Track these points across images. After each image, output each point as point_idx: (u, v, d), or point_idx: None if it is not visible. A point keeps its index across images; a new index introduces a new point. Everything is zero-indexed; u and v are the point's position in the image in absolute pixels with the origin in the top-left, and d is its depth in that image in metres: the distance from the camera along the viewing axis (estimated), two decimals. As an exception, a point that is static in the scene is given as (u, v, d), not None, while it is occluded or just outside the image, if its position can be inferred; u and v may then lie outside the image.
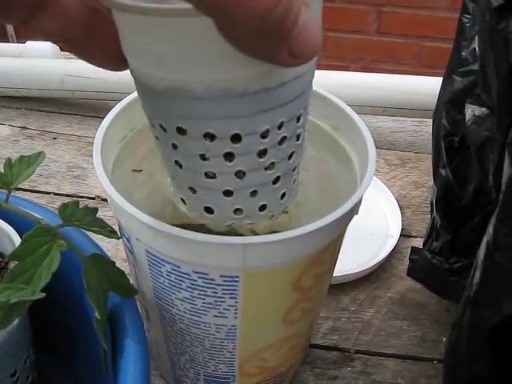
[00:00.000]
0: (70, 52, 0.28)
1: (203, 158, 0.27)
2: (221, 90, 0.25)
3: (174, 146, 0.28)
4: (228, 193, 0.29)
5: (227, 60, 0.21)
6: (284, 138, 0.28)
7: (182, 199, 0.31)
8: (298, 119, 0.28)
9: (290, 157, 0.29)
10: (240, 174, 0.28)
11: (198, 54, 0.24)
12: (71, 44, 0.27)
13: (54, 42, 0.27)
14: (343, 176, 0.38)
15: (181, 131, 0.27)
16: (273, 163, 0.28)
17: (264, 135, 0.27)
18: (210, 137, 0.27)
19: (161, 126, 0.28)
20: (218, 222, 0.30)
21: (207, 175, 0.28)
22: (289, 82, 0.26)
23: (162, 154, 0.30)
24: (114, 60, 0.28)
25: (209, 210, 0.30)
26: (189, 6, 0.19)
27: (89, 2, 0.27)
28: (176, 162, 0.29)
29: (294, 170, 0.30)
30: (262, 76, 0.24)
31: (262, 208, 0.30)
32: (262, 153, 0.28)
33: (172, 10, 0.21)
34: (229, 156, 0.27)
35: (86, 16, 0.26)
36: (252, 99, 0.25)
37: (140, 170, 0.37)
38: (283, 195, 0.30)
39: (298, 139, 0.29)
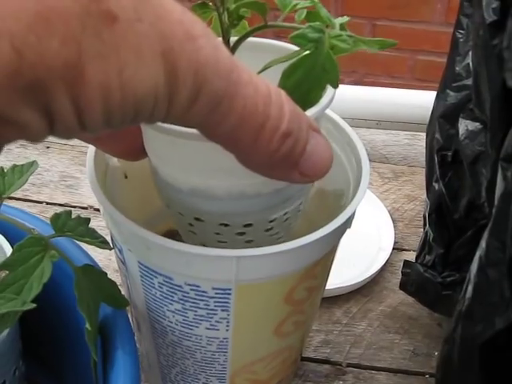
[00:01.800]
0: (95, 146, 0.32)
1: (217, 234, 0.31)
2: (238, 193, 0.28)
3: (191, 226, 0.31)
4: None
5: (241, 172, 0.23)
6: (288, 218, 0.32)
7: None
8: (301, 203, 0.32)
9: (290, 224, 0.33)
10: (249, 241, 0.31)
11: (216, 167, 0.27)
12: (93, 141, 0.31)
13: (78, 138, 0.29)
14: (338, 185, 0.38)
15: (198, 219, 0.30)
16: (277, 232, 0.32)
17: (271, 221, 0.31)
18: (225, 225, 0.30)
19: (179, 212, 0.31)
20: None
21: (220, 241, 0.31)
22: None
23: (177, 225, 0.33)
24: (134, 154, 0.31)
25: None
26: None
27: None
28: (191, 231, 0.32)
29: (292, 228, 0.34)
30: (272, 181, 0.26)
31: None
32: (269, 229, 0.31)
33: (195, 135, 0.23)
34: (241, 234, 0.31)
35: None
36: (264, 199, 0.29)
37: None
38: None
39: (299, 210, 0.32)
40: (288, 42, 0.32)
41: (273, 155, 0.21)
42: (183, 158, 0.28)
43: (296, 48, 0.30)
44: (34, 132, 0.16)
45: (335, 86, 0.27)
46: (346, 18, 0.29)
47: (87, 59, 0.15)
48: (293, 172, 0.23)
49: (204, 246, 0.31)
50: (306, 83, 0.26)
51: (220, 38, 0.29)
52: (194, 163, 0.28)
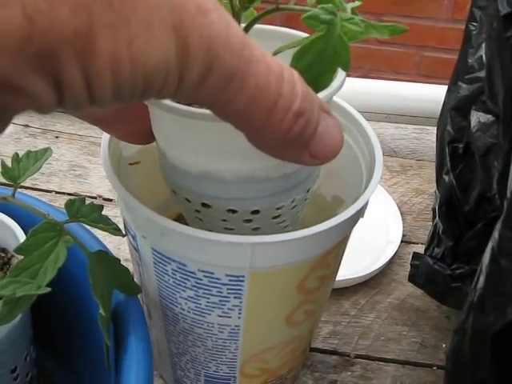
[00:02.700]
0: (102, 130, 0.32)
1: (224, 221, 0.30)
2: (247, 177, 0.28)
3: (198, 212, 0.31)
4: None
5: (252, 154, 0.23)
6: (295, 206, 0.31)
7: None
8: (308, 190, 0.32)
9: (298, 212, 0.33)
10: (256, 228, 0.31)
11: (227, 149, 0.27)
12: (100, 123, 0.30)
13: (87, 122, 0.30)
14: (351, 176, 0.38)
15: (205, 205, 0.30)
16: (284, 220, 0.32)
17: (279, 208, 0.30)
18: (232, 211, 0.30)
19: (186, 199, 0.31)
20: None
21: (226, 228, 0.31)
22: (304, 167, 0.28)
23: (184, 212, 0.33)
24: (141, 137, 0.31)
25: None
26: None
27: None
28: (198, 217, 0.31)
29: (299, 217, 0.34)
30: (281, 165, 0.26)
31: None
32: (277, 217, 0.31)
33: (205, 115, 0.23)
34: (248, 221, 0.30)
35: None
36: (272, 183, 0.29)
37: (137, 162, 0.38)
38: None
39: (305, 200, 0.33)
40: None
41: (285, 135, 0.21)
42: (193, 139, 0.27)
43: (305, 35, 0.30)
44: (44, 103, 0.16)
45: (346, 69, 0.26)
46: (357, 3, 0.29)
47: (98, 29, 0.15)
48: (303, 153, 0.23)
49: (210, 229, 0.31)
50: (317, 65, 0.25)
51: None
52: (204, 145, 0.27)
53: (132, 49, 0.16)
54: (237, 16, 0.29)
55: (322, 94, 0.26)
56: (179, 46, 0.17)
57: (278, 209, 0.30)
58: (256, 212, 0.30)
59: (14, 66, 0.15)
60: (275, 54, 0.28)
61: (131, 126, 0.30)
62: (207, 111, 0.20)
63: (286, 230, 0.32)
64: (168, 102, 0.24)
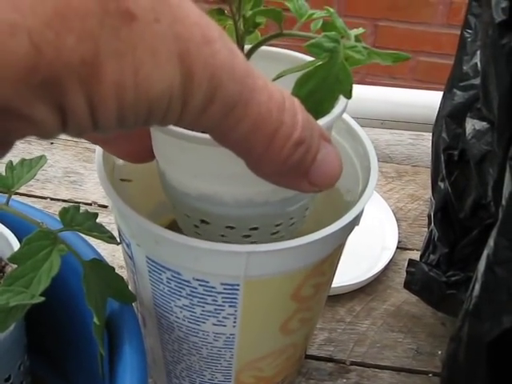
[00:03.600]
0: (101, 147, 0.32)
1: (223, 236, 0.31)
2: (245, 201, 0.28)
3: (196, 227, 0.31)
4: None
5: (251, 179, 0.23)
6: (294, 223, 0.32)
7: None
8: (307, 209, 0.32)
9: (296, 228, 0.33)
10: (253, 242, 0.31)
11: (226, 174, 0.27)
12: (100, 142, 0.30)
13: (85, 139, 0.30)
14: (346, 184, 0.38)
15: (204, 222, 0.30)
16: (282, 236, 0.32)
17: (278, 224, 0.31)
18: (231, 227, 0.30)
19: (185, 214, 0.31)
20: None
21: (225, 241, 0.31)
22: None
23: (181, 225, 0.33)
24: (141, 156, 0.31)
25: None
26: None
27: None
28: (196, 232, 0.32)
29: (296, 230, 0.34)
30: (280, 190, 0.26)
31: None
32: (275, 233, 0.31)
33: (204, 140, 0.24)
34: (246, 236, 0.31)
35: None
36: (271, 207, 0.29)
37: (129, 180, 0.38)
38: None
39: (304, 215, 0.33)
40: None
41: (284, 162, 0.21)
42: (192, 163, 0.28)
43: (309, 58, 0.30)
44: (47, 128, 0.16)
45: (348, 97, 0.26)
46: (361, 30, 0.29)
47: (104, 57, 0.15)
48: (302, 181, 0.23)
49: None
50: (319, 93, 0.26)
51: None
52: (203, 169, 0.28)
53: (137, 76, 0.16)
54: (241, 39, 0.29)
55: (322, 121, 0.26)
56: (184, 74, 0.17)
57: (277, 225, 0.31)
58: (255, 229, 0.30)
59: (19, 93, 0.15)
60: (278, 77, 0.28)
61: (132, 146, 0.30)
62: (207, 136, 0.20)
63: (281, 239, 0.32)
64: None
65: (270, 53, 0.34)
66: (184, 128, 0.19)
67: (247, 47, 0.29)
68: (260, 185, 0.23)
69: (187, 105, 0.18)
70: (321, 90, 0.26)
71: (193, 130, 0.19)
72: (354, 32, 0.28)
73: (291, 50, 0.34)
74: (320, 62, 0.25)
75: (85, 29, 0.15)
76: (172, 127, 0.24)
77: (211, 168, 0.27)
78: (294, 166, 0.22)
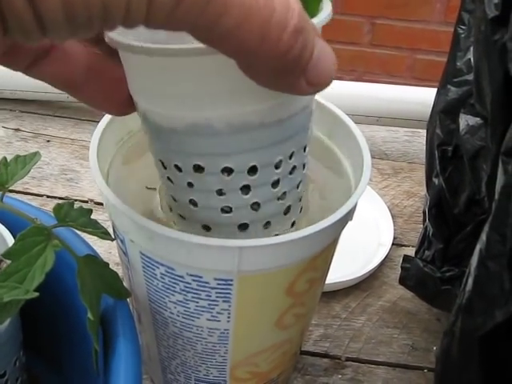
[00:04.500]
0: (73, 96, 0.28)
1: (220, 193, 0.29)
2: (239, 124, 0.26)
3: (190, 185, 0.29)
4: (243, 226, 0.30)
5: (243, 95, 0.22)
6: (294, 168, 0.30)
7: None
8: (305, 149, 0.31)
9: (298, 186, 0.31)
10: (255, 206, 0.30)
11: (214, 91, 0.25)
12: (73, 89, 0.27)
13: (56, 87, 0.27)
14: (336, 183, 0.38)
15: (198, 169, 0.28)
16: (284, 193, 0.30)
17: (277, 166, 0.29)
18: (228, 171, 0.28)
19: (176, 167, 0.29)
20: None
21: (223, 210, 0.29)
22: (298, 114, 0.28)
23: (174, 194, 0.31)
24: (119, 105, 0.28)
25: None
26: (200, 44, 0.19)
27: (90, 47, 0.27)
28: (191, 201, 0.30)
29: (300, 200, 0.33)
30: (275, 108, 0.25)
31: (276, 235, 0.31)
32: (276, 183, 0.29)
33: (183, 50, 0.22)
34: (245, 189, 0.29)
35: (86, 60, 0.26)
36: (268, 131, 0.27)
37: (154, 189, 0.37)
38: (293, 224, 0.33)
39: (303, 168, 0.31)
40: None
41: (283, 56, 0.19)
42: (176, 87, 0.25)
43: None
44: None
45: None
46: None
47: None
48: (299, 80, 0.21)
49: (207, 226, 0.31)
50: None
51: None
52: (187, 90, 0.25)
53: None
54: None
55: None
56: None
57: (276, 168, 0.29)
58: (253, 171, 0.28)
59: None
60: None
61: (106, 90, 0.28)
62: (185, 46, 0.19)
63: (288, 217, 0.31)
64: (143, 43, 0.23)
65: None
66: (158, 28, 0.17)
67: None
68: (253, 101, 0.23)
69: (153, 0, 0.16)
70: None
71: (170, 29, 0.17)
72: None
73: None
74: None
75: None
76: (146, 44, 0.22)
77: (197, 87, 0.25)
78: (293, 60, 0.20)
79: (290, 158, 0.29)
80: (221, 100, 0.25)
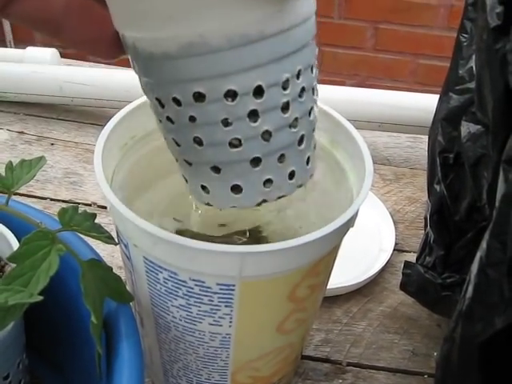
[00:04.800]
0: (57, 39, 0.26)
1: (226, 123, 0.26)
2: (238, 37, 0.24)
3: (192, 119, 0.27)
4: (256, 161, 0.28)
5: (238, 2, 0.21)
6: (303, 90, 0.28)
7: (203, 187, 0.29)
8: (312, 69, 0.28)
9: (310, 113, 0.29)
10: (266, 136, 0.27)
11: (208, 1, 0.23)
12: (54, 29, 0.26)
13: (36, 29, 0.26)
14: (337, 190, 0.38)
15: (199, 97, 0.26)
16: (296, 119, 0.28)
17: (285, 86, 0.27)
18: (232, 96, 0.26)
19: (174, 100, 0.27)
20: (247, 203, 0.29)
21: (232, 145, 0.27)
22: (299, 26, 0.26)
23: (177, 135, 0.28)
24: (106, 46, 0.27)
25: (236, 189, 0.29)
26: None
27: None
28: (195, 139, 0.27)
29: (313, 131, 0.30)
30: (275, 17, 0.24)
31: (291, 176, 0.29)
32: (285, 107, 0.27)
33: None
34: (253, 116, 0.26)
35: None
36: (269, 44, 0.25)
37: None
38: (308, 160, 0.30)
39: (313, 93, 0.29)
40: None
41: None
42: (163, 3, 0.24)
43: None
44: None
45: None
46: None
47: None
48: None
49: (216, 167, 0.28)
50: None
51: None
52: (176, 5, 0.24)
53: None
54: None
55: None
56: None
57: (284, 89, 0.27)
58: (260, 93, 0.26)
59: None
60: None
61: (89, 30, 0.26)
62: None
63: (302, 149, 0.29)
64: None
65: None
66: None
67: None
68: (250, 9, 0.22)
69: None
70: None
71: None
72: None
73: None
74: None
75: None
76: None
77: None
78: None
79: (298, 77, 0.27)
80: (213, 10, 0.24)
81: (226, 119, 0.26)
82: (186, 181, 0.31)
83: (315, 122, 0.30)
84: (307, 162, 0.30)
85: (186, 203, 0.35)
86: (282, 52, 0.26)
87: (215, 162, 0.28)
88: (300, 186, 0.30)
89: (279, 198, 0.30)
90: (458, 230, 0.44)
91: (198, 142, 0.27)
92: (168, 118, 0.28)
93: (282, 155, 0.28)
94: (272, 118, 0.27)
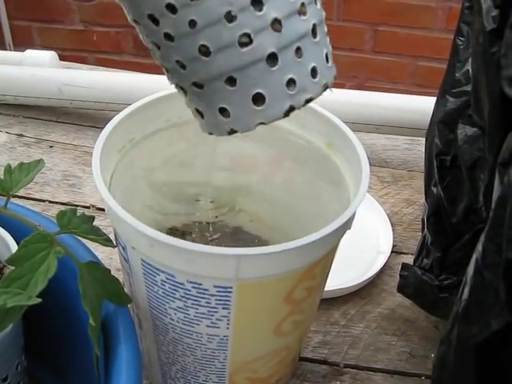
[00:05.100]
0: None
1: (230, 18, 0.24)
2: None
3: (193, 25, 0.24)
4: (272, 58, 0.25)
5: None
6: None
7: (222, 110, 0.27)
8: None
9: (315, 0, 0.27)
10: (277, 26, 0.25)
11: None
12: None
13: None
14: (334, 192, 0.38)
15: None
16: (303, 4, 0.26)
17: None
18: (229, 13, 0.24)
19: (169, 7, 0.24)
20: (274, 113, 0.27)
21: (242, 44, 0.25)
22: None
23: (181, 54, 0.26)
24: None
25: (259, 99, 0.26)
26: None
27: None
28: (201, 49, 0.25)
29: (323, 22, 0.28)
30: None
31: (314, 73, 0.27)
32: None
33: None
34: (257, 3, 0.24)
35: None
36: None
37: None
38: (327, 57, 0.28)
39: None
40: None
41: None
42: None
43: None
44: None
45: None
46: None
47: None
48: None
49: (231, 77, 0.26)
50: None
51: None
52: None
53: None
54: None
55: None
56: None
57: None
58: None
59: None
60: None
61: None
62: None
63: (317, 42, 0.27)
64: None
65: None
66: None
67: None
68: None
69: None
70: None
71: None
72: None
73: None
74: None
75: None
76: None
77: None
78: None
79: None
80: None
81: (229, 12, 0.24)
82: (202, 116, 0.28)
83: (323, 14, 0.28)
84: (326, 59, 0.28)
85: (185, 203, 0.35)
86: None
87: (229, 71, 0.25)
88: (325, 87, 0.28)
89: (307, 102, 0.27)
90: (455, 232, 0.44)
91: (205, 52, 0.25)
92: (166, 36, 0.26)
93: (299, 48, 0.26)
94: (278, 2, 0.25)
